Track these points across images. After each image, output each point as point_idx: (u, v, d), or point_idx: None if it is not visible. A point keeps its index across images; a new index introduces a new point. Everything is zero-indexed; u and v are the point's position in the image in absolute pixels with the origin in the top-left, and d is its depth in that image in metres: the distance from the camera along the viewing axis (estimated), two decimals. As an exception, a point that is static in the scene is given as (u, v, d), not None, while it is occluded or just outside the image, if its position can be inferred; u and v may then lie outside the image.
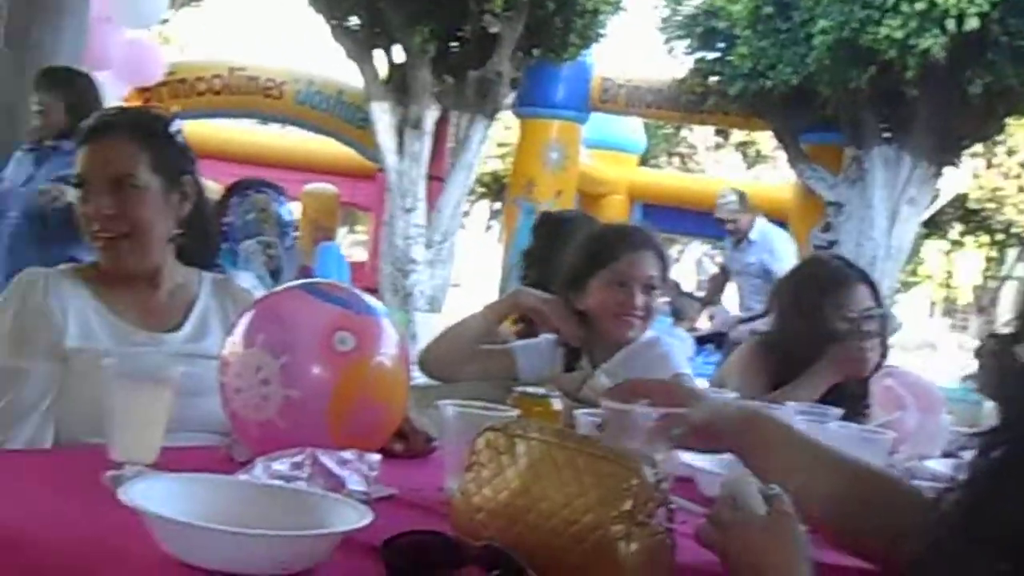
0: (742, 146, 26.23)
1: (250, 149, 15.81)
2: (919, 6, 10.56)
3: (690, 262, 29.40)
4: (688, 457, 2.07)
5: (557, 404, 1.99)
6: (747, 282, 8.70)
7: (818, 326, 3.17)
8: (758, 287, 8.45)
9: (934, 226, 20.16)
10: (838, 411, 2.46)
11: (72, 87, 5.03)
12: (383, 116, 12.72)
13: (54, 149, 4.60)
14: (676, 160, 26.42)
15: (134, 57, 9.31)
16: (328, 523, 1.34)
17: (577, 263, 3.09)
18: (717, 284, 10.14)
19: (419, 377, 2.93)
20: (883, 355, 3.14)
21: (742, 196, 8.73)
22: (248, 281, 2.57)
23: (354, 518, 1.32)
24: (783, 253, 8.50)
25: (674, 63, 14.04)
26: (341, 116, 14.28)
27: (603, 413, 1.67)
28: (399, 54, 12.86)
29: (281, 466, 1.59)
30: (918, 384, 2.78)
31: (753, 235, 8.55)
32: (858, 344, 3.10)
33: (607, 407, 1.64)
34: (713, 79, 13.39)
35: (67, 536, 1.36)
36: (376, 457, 1.67)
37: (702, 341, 9.31)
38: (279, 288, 2.07)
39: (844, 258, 3.52)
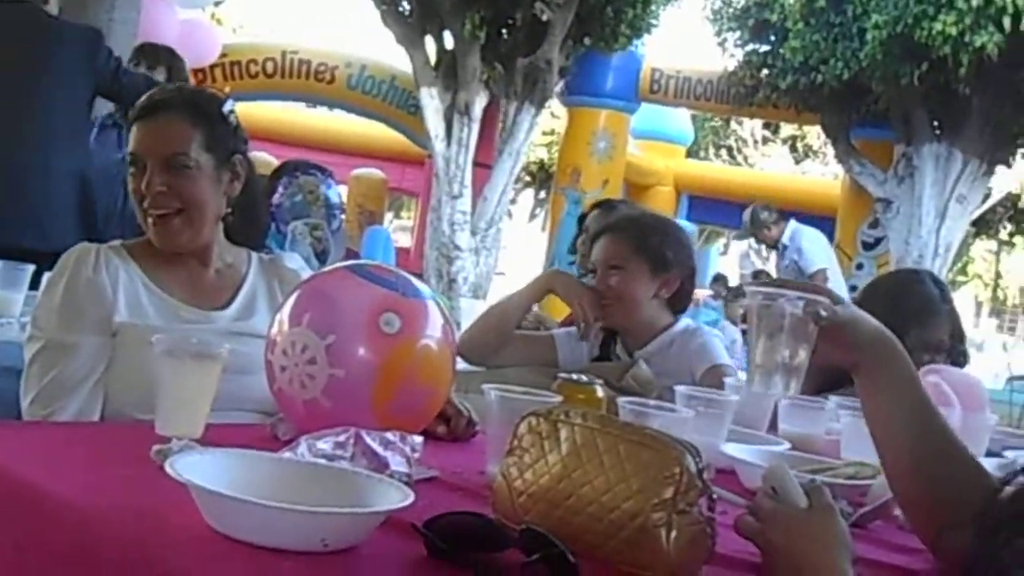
0: (791, 140, 26.08)
1: (300, 132, 15.93)
2: (975, 2, 10.46)
3: (735, 256, 29.27)
4: (730, 448, 2.07)
5: (600, 391, 1.99)
6: None
7: None
8: None
9: (984, 225, 19.95)
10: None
11: (173, 62, 5.17)
12: (431, 102, 12.75)
13: None
14: (724, 153, 26.32)
15: (189, 37, 9.38)
16: (371, 502, 1.35)
17: None
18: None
19: (459, 363, 2.94)
20: None
21: (765, 209, 8.84)
22: (296, 262, 2.57)
23: (397, 498, 1.33)
24: (809, 251, 8.63)
25: (725, 55, 13.99)
26: (392, 101, 14.34)
27: (746, 303, 1.62)
28: (449, 40, 12.87)
29: (325, 445, 1.60)
30: (964, 382, 2.75)
31: (785, 239, 8.66)
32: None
33: (753, 292, 1.60)
34: (764, 72, 13.33)
35: (112, 508, 1.38)
36: (419, 439, 1.68)
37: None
38: (327, 269, 2.08)
39: (938, 280, 3.48)
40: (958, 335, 3.30)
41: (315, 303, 1.84)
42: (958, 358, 3.27)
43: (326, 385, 1.76)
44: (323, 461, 1.55)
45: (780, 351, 1.56)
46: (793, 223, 8.76)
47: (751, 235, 9.02)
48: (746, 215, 8.78)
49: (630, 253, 3.00)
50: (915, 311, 3.23)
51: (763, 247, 12.51)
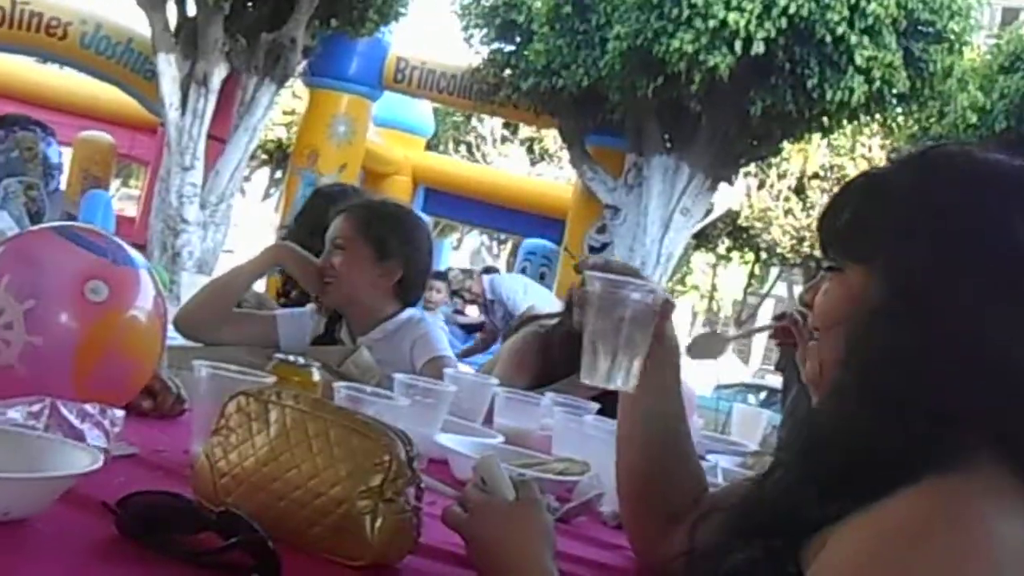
0: (528, 142, 26.54)
1: (27, 87, 15.19)
2: (711, 23, 10.86)
3: (468, 251, 29.61)
4: (443, 439, 2.07)
5: (317, 374, 1.95)
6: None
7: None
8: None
9: (704, 239, 20.86)
10: (594, 405, 2.51)
11: None
12: (169, 69, 12.35)
13: None
14: (463, 148, 26.55)
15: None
16: (57, 468, 1.27)
17: None
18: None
19: (177, 338, 2.84)
20: None
21: (464, 272, 9.10)
22: (5, 221, 2.43)
23: (85, 463, 1.26)
24: (516, 297, 8.66)
25: (470, 52, 14.11)
26: (127, 64, 13.83)
27: (587, 288, 1.52)
28: (192, 7, 12.50)
29: (16, 414, 1.50)
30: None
31: (489, 295, 8.80)
32: None
33: (596, 278, 1.50)
34: (506, 72, 13.51)
35: None
36: (120, 413, 1.60)
37: (470, 329, 9.58)
38: (33, 229, 1.96)
39: (638, 273, 3.56)
40: None
41: (16, 264, 1.73)
42: None
43: (22, 352, 1.65)
44: (8, 425, 1.45)
45: (621, 340, 1.49)
46: (486, 277, 8.96)
47: (456, 292, 9.22)
48: (455, 272, 8.94)
49: (355, 235, 2.97)
50: None
51: (496, 240, 12.83)
